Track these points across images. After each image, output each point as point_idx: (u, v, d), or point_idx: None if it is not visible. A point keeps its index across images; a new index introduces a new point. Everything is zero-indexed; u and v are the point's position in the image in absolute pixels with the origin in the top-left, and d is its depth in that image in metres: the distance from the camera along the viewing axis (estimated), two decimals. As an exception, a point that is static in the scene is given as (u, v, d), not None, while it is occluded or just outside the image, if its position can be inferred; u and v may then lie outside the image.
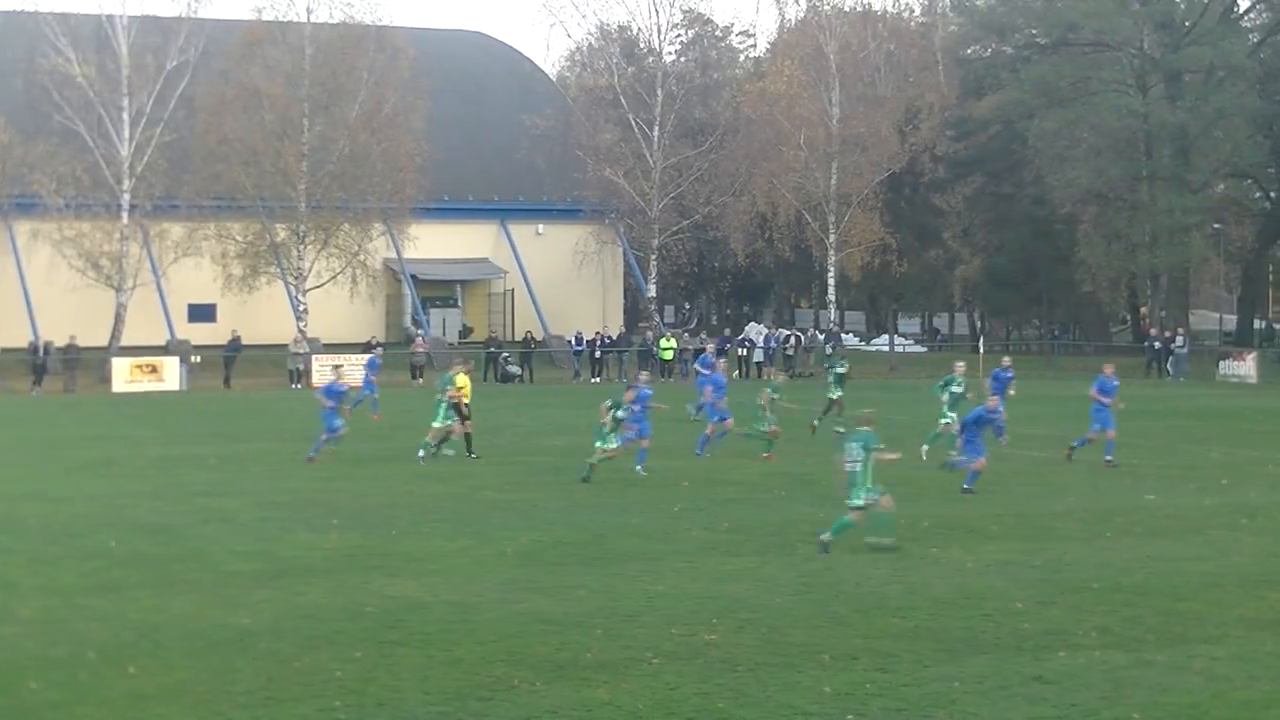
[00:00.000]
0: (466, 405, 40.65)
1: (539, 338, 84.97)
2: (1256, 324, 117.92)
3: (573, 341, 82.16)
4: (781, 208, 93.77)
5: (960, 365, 43.12)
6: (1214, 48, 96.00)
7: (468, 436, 40.37)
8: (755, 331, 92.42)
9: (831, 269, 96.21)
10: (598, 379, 78.64)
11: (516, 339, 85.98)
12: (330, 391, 40.31)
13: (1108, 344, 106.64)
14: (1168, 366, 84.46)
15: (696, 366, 58.21)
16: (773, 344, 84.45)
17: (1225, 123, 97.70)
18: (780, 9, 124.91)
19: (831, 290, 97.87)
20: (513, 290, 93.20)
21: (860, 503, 25.52)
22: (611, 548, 26.13)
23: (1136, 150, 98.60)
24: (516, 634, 19.39)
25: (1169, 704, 16.14)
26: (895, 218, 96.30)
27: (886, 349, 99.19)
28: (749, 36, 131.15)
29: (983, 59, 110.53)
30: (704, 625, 19.79)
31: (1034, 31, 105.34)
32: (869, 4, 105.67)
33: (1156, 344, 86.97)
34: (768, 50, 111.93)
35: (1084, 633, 19.45)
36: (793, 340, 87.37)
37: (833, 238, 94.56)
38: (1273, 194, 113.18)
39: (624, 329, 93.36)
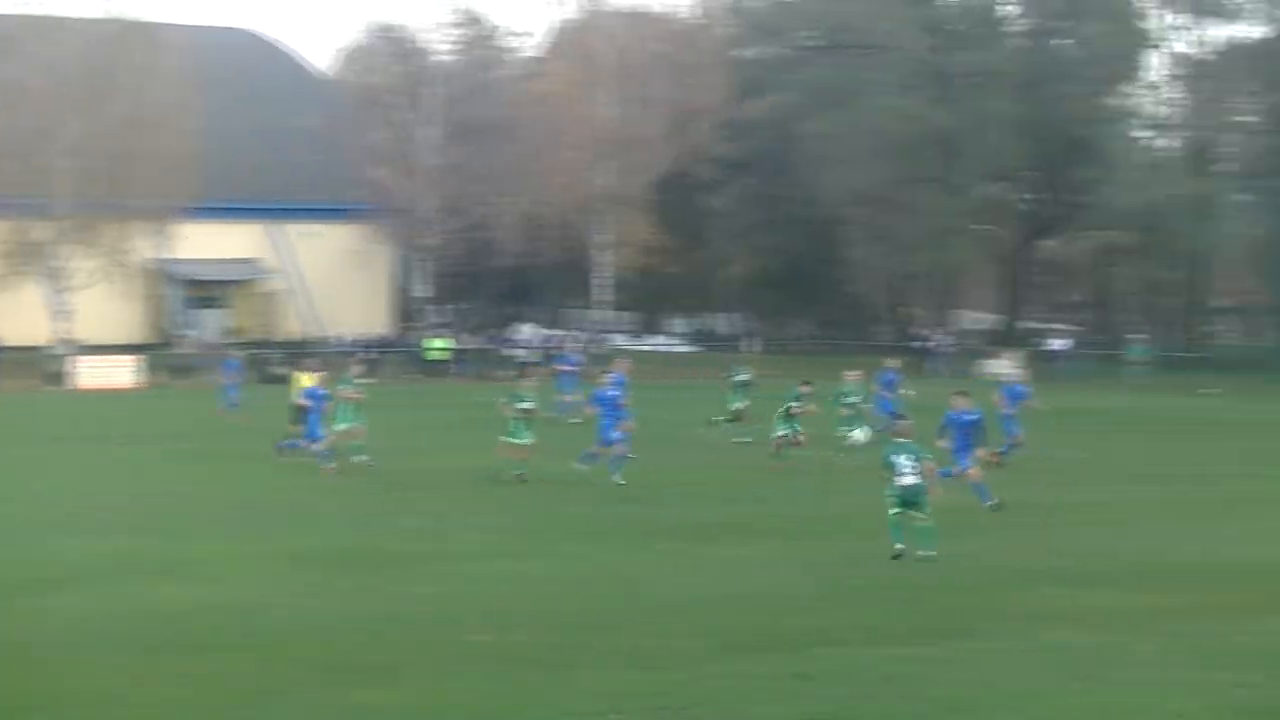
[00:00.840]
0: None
1: (308, 338, 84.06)
2: (1019, 324, 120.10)
3: (342, 342, 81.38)
4: (554, 208, 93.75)
5: (853, 374, 42.68)
6: (980, 52, 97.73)
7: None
8: (526, 332, 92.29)
9: (602, 269, 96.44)
10: (371, 380, 77.87)
11: (286, 340, 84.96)
12: (312, 396, 38.83)
13: (873, 343, 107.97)
14: (939, 366, 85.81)
15: (559, 366, 56.45)
16: (542, 345, 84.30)
17: (990, 126, 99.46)
18: (554, 9, 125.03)
19: (602, 290, 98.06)
20: (282, 291, 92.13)
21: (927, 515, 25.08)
22: (385, 550, 25.90)
23: (904, 152, 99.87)
24: (287, 638, 19.15)
25: (933, 698, 16.32)
26: (667, 218, 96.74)
27: (657, 349, 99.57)
28: (524, 36, 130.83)
29: (756, 61, 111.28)
30: (476, 626, 19.69)
31: (807, 34, 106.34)
32: (643, 5, 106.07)
33: (921, 344, 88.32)
34: (542, 50, 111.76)
35: (849, 629, 19.63)
36: (563, 341, 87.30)
37: (605, 238, 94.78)
38: (1034, 196, 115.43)
39: (394, 329, 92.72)
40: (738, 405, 45.67)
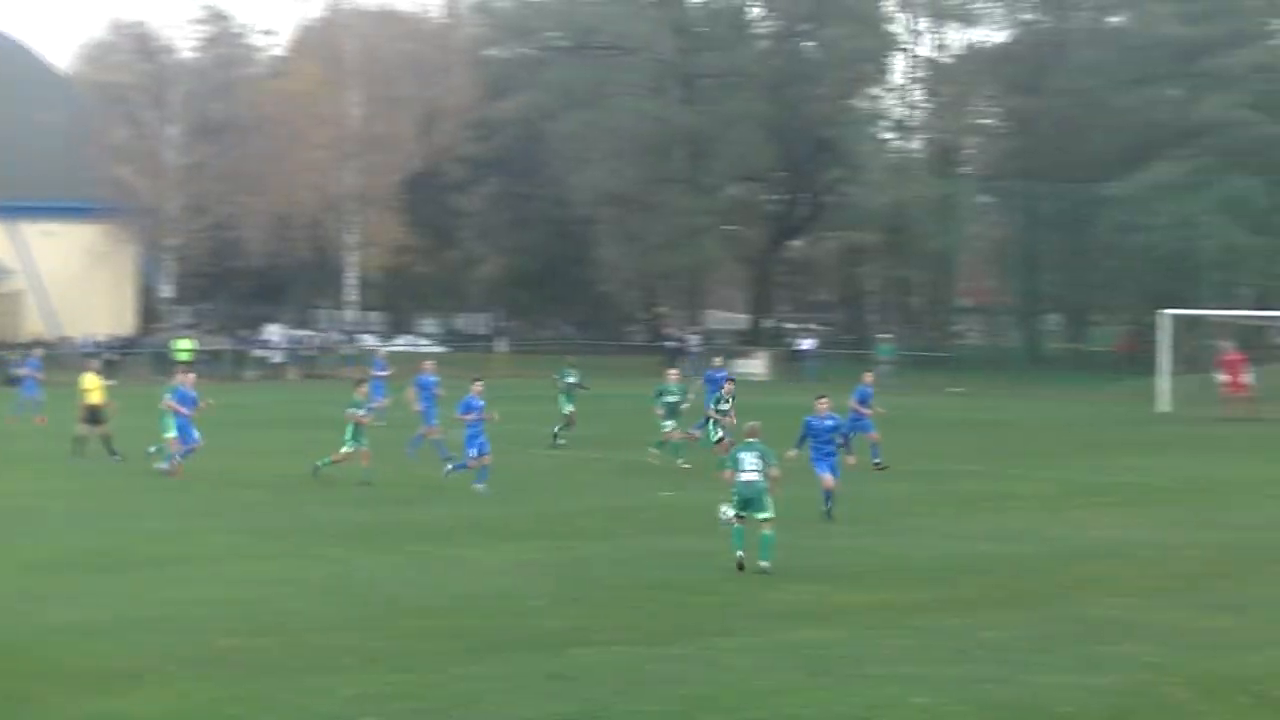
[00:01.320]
0: (98, 408, 39.35)
1: (48, 339, 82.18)
2: (767, 323, 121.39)
3: (84, 343, 79.73)
4: (302, 207, 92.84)
5: (673, 373, 42.13)
6: (727, 53, 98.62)
7: (105, 438, 39.17)
8: (273, 332, 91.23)
9: (351, 269, 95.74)
10: (113, 381, 76.35)
11: (26, 341, 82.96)
12: (182, 398, 37.58)
13: (625, 343, 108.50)
14: (686, 365, 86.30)
15: (373, 371, 55.08)
16: (291, 345, 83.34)
17: (738, 127, 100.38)
18: (300, 7, 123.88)
19: (351, 290, 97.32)
20: (21, 291, 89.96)
21: (770, 514, 23.99)
22: (130, 554, 25.40)
23: (653, 153, 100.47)
24: (29, 645, 18.68)
25: (684, 696, 16.39)
26: (416, 218, 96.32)
27: (407, 349, 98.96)
28: (269, 34, 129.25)
29: (503, 61, 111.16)
30: (222, 631, 19.38)
31: (554, 34, 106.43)
32: (389, 4, 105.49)
33: (671, 343, 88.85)
34: (287, 49, 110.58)
35: (603, 629, 19.66)
36: (312, 341, 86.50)
37: (352, 238, 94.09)
38: (782, 196, 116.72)
39: (140, 330, 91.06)
40: (567, 410, 44.69)
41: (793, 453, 28.98)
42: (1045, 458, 40.04)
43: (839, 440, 30.14)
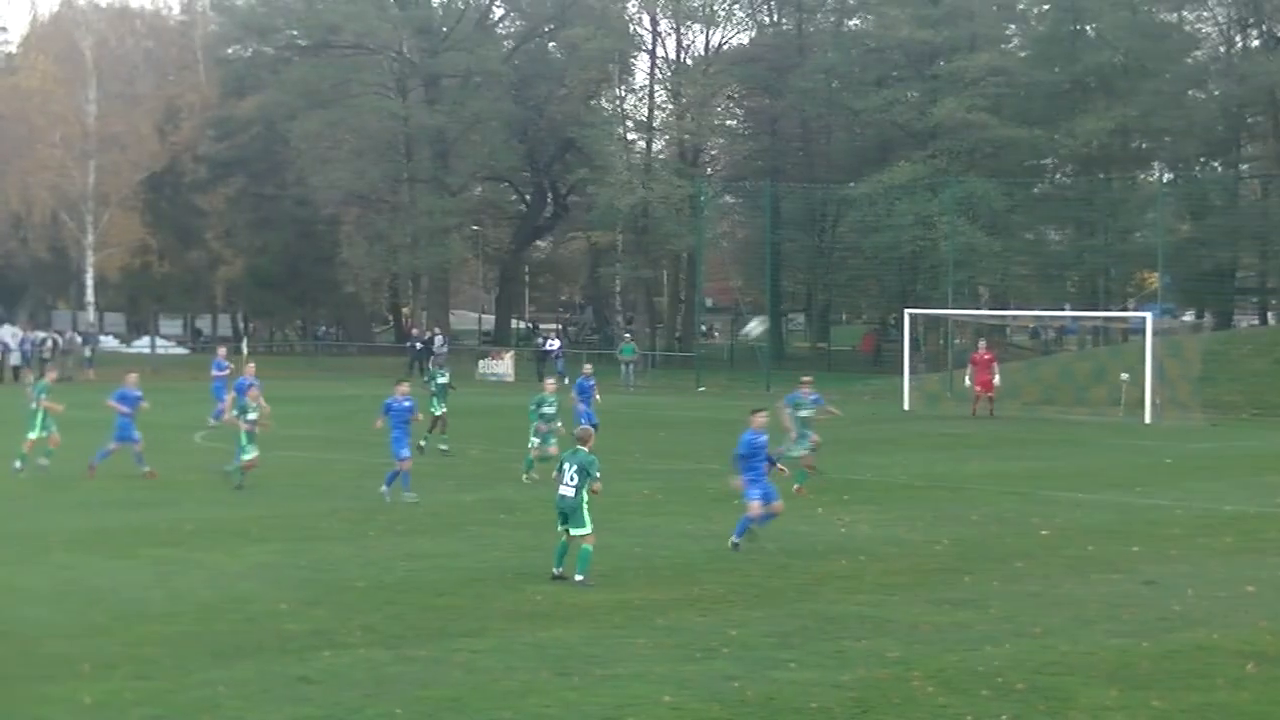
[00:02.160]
0: None
1: None
2: (514, 323, 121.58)
3: None
4: (37, 207, 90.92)
5: (549, 383, 40.71)
6: (471, 53, 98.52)
7: None
8: (9, 334, 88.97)
9: (90, 270, 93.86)
10: None
11: None
12: (125, 398, 36.72)
13: (371, 344, 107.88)
14: (429, 365, 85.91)
15: (213, 372, 53.35)
16: (28, 347, 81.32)
17: (482, 127, 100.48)
18: (33, 2, 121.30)
19: (90, 291, 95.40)
20: None
21: (586, 531, 23.16)
22: None
23: (397, 152, 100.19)
24: None
25: (431, 698, 16.27)
26: (156, 218, 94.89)
27: (148, 350, 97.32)
28: (1, 30, 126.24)
29: (244, 59, 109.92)
30: (-48, 642, 18.83)
31: (295, 33, 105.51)
32: (126, 1, 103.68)
33: (418, 344, 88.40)
34: (20, 45, 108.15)
35: (348, 631, 19.44)
36: (50, 343, 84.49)
37: (91, 238, 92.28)
38: (527, 196, 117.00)
39: None
40: (438, 412, 43.37)
41: (738, 482, 26.63)
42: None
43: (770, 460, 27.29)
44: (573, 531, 23.18)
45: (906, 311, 68.36)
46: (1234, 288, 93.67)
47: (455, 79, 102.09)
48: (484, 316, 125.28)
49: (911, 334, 67.43)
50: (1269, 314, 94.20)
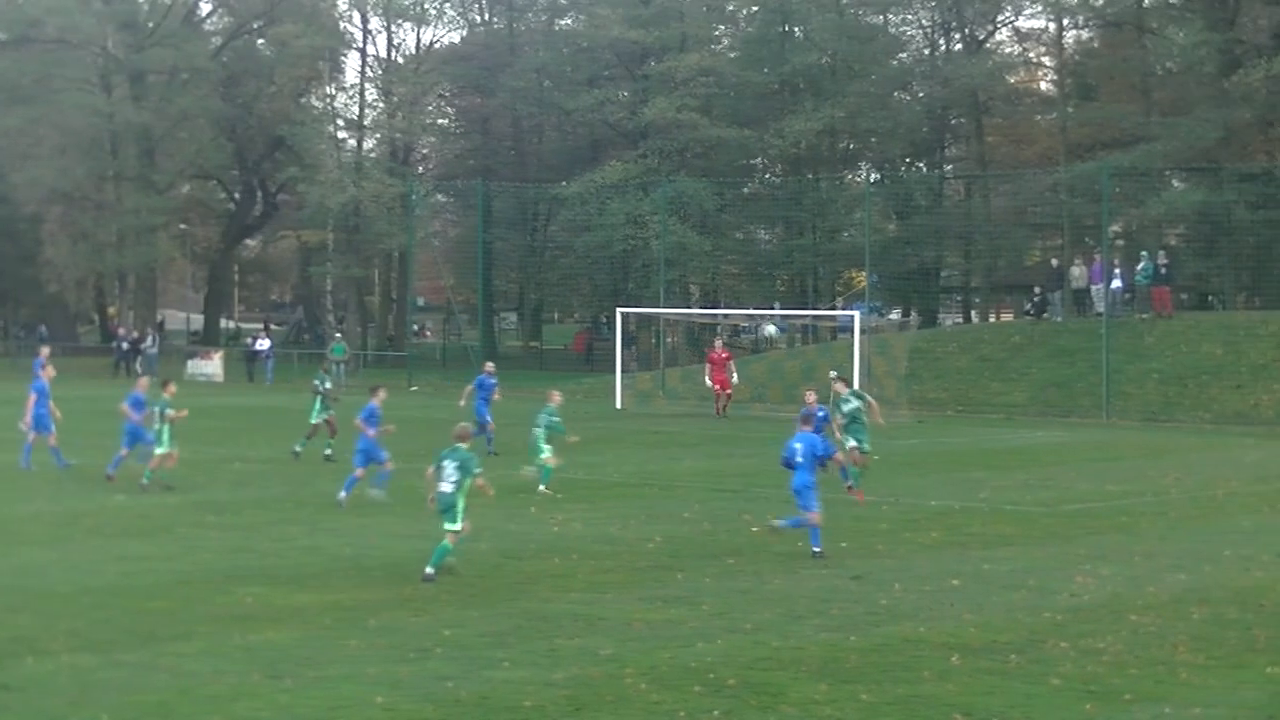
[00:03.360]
0: None
1: None
2: (223, 323, 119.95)
3: None
4: None
5: (555, 395, 38.63)
6: (177, 49, 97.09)
7: None
8: None
9: None
10: None
11: None
12: (135, 402, 35.69)
13: (76, 344, 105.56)
14: (137, 366, 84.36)
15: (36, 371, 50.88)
16: None
17: (190, 124, 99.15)
18: None
19: None
20: None
21: (457, 527, 23.45)
22: None
23: (102, 150, 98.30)
24: None
25: (138, 704, 15.95)
26: None
27: None
28: None
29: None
30: None
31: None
32: None
33: (125, 344, 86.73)
34: None
35: (52, 637, 18.97)
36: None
37: None
38: (237, 195, 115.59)
39: None
40: (321, 418, 41.33)
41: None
42: (502, 457, 40.38)
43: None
44: (444, 526, 23.50)
45: (618, 310, 68.78)
46: (939, 286, 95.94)
47: (161, 75, 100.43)
48: (193, 315, 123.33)
49: (624, 332, 67.84)
50: (972, 312, 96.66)
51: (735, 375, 60.13)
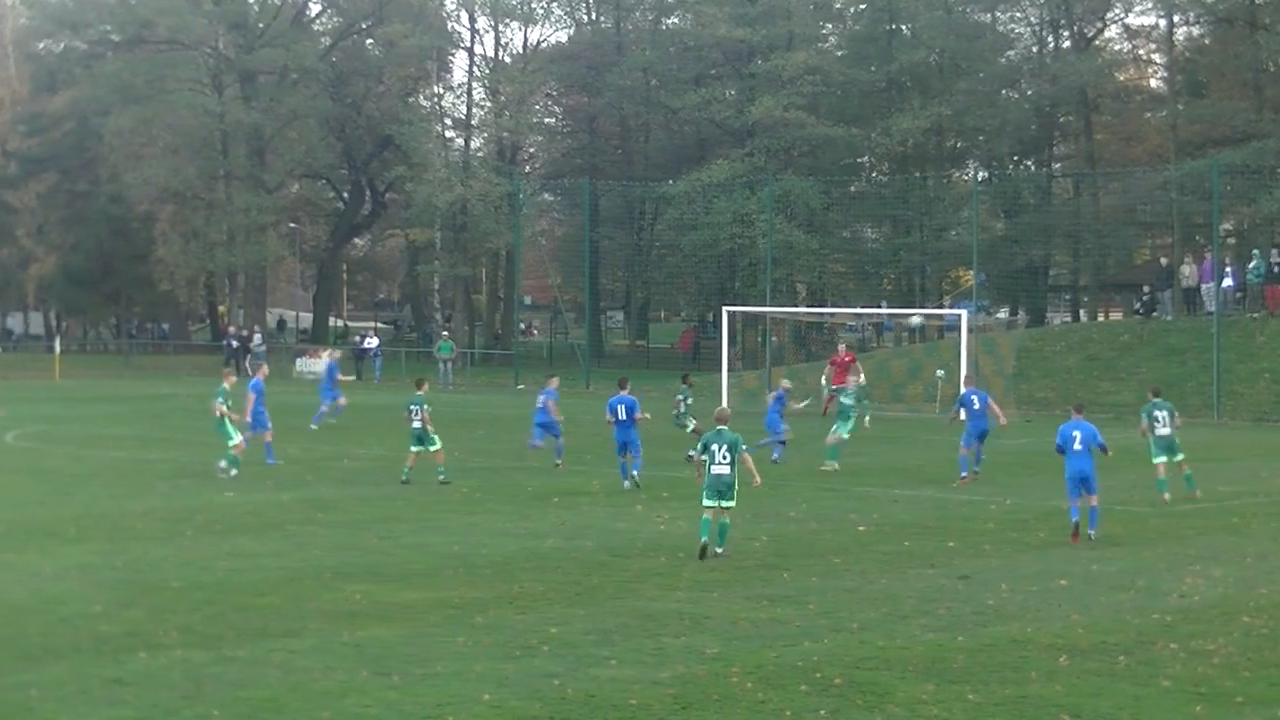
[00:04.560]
0: None
1: None
2: (332, 321, 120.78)
3: None
4: None
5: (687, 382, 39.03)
6: (287, 50, 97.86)
7: None
8: None
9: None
10: None
11: None
12: (256, 388, 38.37)
13: (187, 342, 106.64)
14: (247, 365, 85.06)
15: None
16: None
17: (299, 124, 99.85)
18: None
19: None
20: None
21: (733, 504, 25.29)
22: None
23: (213, 149, 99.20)
24: None
25: (249, 699, 16.11)
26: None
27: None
28: None
29: (55, 54, 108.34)
30: None
31: (107, 27, 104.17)
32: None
33: (234, 342, 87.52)
34: None
35: (164, 632, 19.20)
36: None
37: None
38: (345, 194, 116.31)
39: None
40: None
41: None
42: (606, 454, 40.46)
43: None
44: (723, 504, 25.11)
45: (724, 309, 68.65)
46: (1047, 285, 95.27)
47: (271, 75, 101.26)
48: (302, 314, 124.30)
49: (730, 331, 67.78)
50: (1080, 311, 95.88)
51: (862, 377, 58.80)
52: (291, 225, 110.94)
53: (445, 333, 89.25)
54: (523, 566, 24.18)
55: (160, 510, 30.39)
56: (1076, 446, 27.43)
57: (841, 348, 58.13)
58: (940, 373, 58.70)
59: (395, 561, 24.71)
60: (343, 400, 49.13)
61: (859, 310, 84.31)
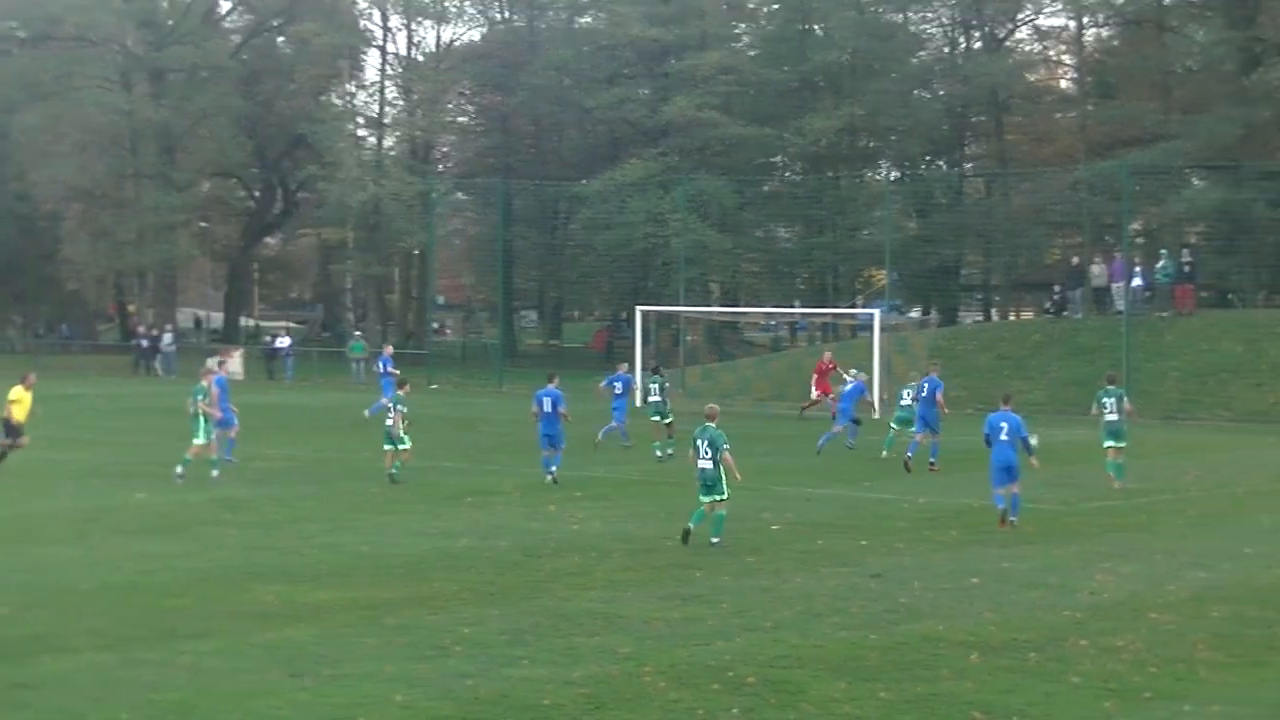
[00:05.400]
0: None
1: None
2: (243, 321, 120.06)
3: None
4: None
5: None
6: (197, 47, 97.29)
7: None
8: None
9: None
10: None
11: None
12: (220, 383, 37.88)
13: (96, 342, 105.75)
14: (156, 365, 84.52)
15: None
16: None
17: (210, 122, 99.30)
18: None
19: None
20: None
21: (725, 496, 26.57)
22: None
23: (122, 147, 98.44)
24: None
25: (158, 702, 15.96)
26: None
27: None
28: None
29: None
30: None
31: (14, 24, 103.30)
32: None
33: (144, 342, 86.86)
34: None
35: (73, 635, 19.01)
36: None
37: None
38: (257, 193, 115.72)
39: None
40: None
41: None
42: (521, 454, 40.39)
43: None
44: (714, 498, 26.15)
45: (638, 308, 68.62)
46: (959, 284, 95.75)
47: (181, 73, 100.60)
48: (213, 314, 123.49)
49: (644, 330, 67.76)
50: (992, 310, 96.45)
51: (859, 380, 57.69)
52: (202, 224, 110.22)
53: (358, 332, 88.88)
54: (436, 566, 24.09)
55: (68, 511, 30.11)
56: (1004, 437, 28.29)
57: (826, 355, 57.41)
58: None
59: (307, 562, 24.58)
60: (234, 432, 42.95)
61: (772, 310, 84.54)
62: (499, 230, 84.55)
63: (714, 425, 26.30)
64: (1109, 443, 35.24)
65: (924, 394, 39.49)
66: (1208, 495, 34.09)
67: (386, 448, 35.64)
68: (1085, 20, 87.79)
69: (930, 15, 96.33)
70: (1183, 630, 19.59)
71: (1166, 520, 29.88)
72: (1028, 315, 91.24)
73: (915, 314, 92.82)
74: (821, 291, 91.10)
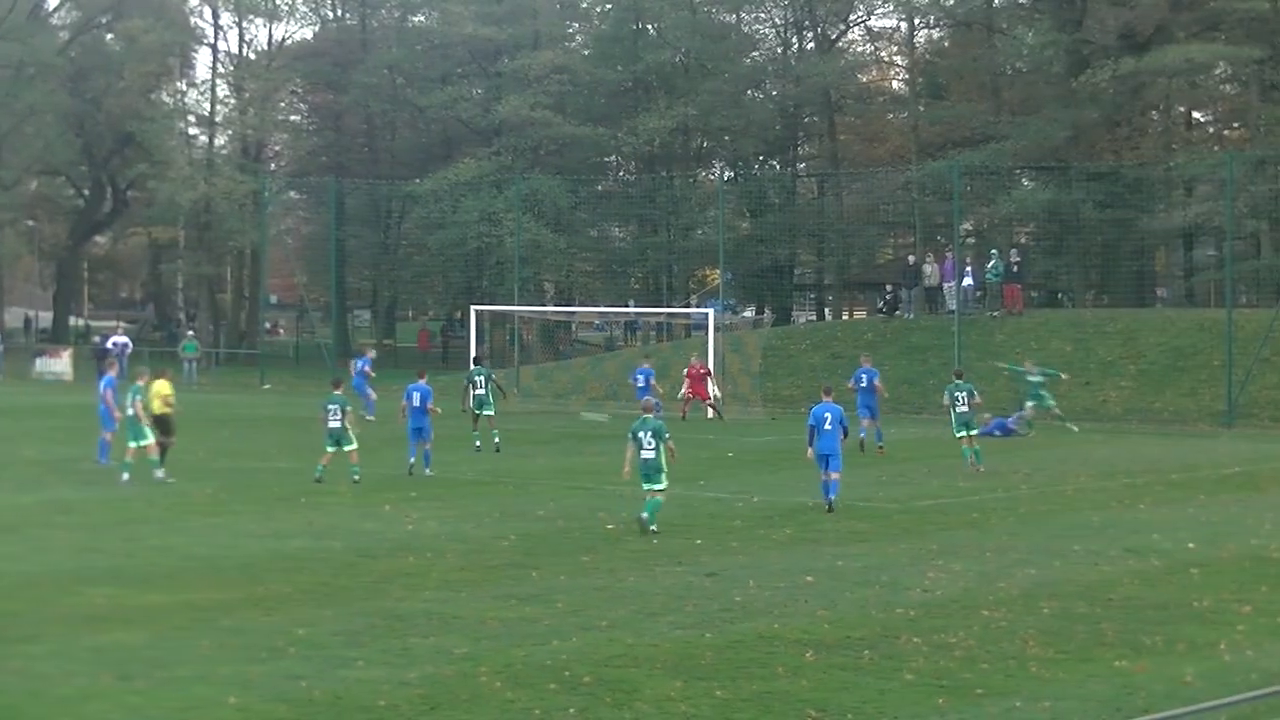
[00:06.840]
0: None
1: None
2: (72, 321, 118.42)
3: None
4: None
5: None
6: (23, 44, 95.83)
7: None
8: None
9: None
10: None
11: None
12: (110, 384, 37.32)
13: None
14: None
15: None
16: None
17: (36, 120, 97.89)
18: None
19: None
20: None
21: (663, 486, 28.25)
22: None
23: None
24: None
25: (-15, 709, 15.74)
26: None
27: None
28: None
29: None
30: None
31: None
32: None
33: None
34: None
35: (-105, 642, 18.65)
36: None
37: None
38: (85, 191, 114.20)
39: None
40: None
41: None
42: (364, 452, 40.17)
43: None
44: (654, 486, 27.58)
45: (472, 308, 68.47)
46: (792, 284, 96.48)
47: (7, 70, 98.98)
48: (41, 313, 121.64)
49: (478, 330, 67.58)
50: (825, 310, 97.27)
51: (715, 387, 57.49)
52: (29, 223, 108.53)
53: (190, 332, 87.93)
54: (269, 568, 23.90)
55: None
56: (828, 426, 30.09)
57: (695, 359, 57.14)
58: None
59: (138, 564, 24.28)
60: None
61: (607, 309, 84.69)
62: (332, 229, 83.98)
63: (653, 417, 27.84)
64: (961, 432, 38.02)
65: (863, 384, 43.11)
66: (1037, 493, 34.56)
67: (329, 449, 35.19)
68: (916, 21, 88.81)
69: (763, 16, 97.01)
70: (1013, 627, 19.85)
71: (997, 518, 30.27)
72: (861, 315, 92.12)
73: (749, 313, 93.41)
74: (656, 291, 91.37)
